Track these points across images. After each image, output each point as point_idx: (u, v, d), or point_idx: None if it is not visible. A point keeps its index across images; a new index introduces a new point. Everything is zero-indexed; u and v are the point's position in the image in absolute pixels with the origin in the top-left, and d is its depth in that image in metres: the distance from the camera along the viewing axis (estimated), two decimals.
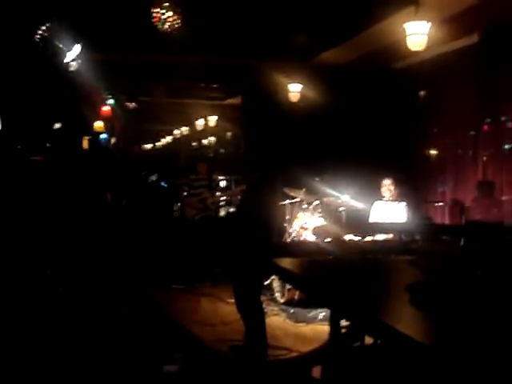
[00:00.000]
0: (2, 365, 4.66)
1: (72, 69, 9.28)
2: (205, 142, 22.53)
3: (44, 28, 8.34)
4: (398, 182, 7.65)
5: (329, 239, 7.47)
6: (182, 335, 6.30)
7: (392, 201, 7.60)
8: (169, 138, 26.91)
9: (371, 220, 7.66)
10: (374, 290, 2.34)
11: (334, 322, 2.67)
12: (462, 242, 2.56)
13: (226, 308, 7.33)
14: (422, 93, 9.69)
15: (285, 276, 3.12)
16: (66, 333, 5.00)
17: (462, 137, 8.66)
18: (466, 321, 1.85)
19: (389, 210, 7.56)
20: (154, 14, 7.93)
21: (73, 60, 9.17)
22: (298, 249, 5.02)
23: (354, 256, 3.95)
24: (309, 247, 5.75)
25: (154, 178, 10.16)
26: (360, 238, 7.00)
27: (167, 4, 7.81)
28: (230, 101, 16.90)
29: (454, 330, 1.77)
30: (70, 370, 4.71)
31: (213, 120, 18.80)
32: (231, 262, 6.01)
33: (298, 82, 11.07)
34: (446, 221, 8.40)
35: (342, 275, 2.61)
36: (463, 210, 7.48)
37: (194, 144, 23.14)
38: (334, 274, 2.62)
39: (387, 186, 7.63)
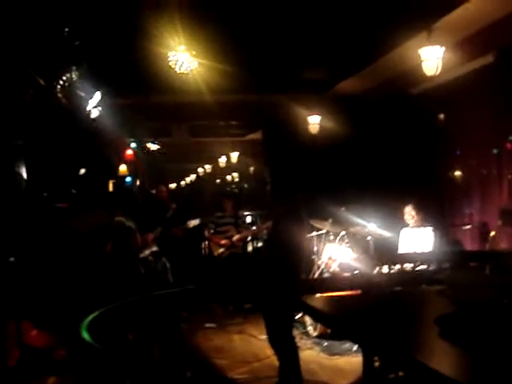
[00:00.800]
0: None
1: (94, 116, 9.44)
2: (228, 178, 22.70)
3: (64, 78, 8.52)
4: (420, 207, 7.59)
5: (357, 271, 7.43)
6: (216, 374, 6.28)
7: (417, 227, 7.53)
8: (193, 177, 27.17)
9: (400, 248, 7.59)
10: (403, 323, 2.32)
11: (366, 359, 2.65)
12: (487, 271, 2.53)
13: (259, 344, 7.29)
14: (441, 116, 9.68)
15: (314, 315, 3.12)
16: (98, 372, 5.00)
17: (485, 157, 8.61)
18: (495, 352, 1.84)
19: (416, 237, 7.50)
20: (171, 58, 8.09)
21: (94, 107, 9.34)
22: (326, 284, 4.99)
23: (382, 288, 3.93)
24: (337, 283, 5.73)
25: (195, 222, 10.12)
26: (388, 268, 6.95)
27: (183, 47, 7.97)
28: (250, 136, 17.06)
29: (484, 363, 1.75)
30: None
31: (235, 156, 18.97)
32: (262, 298, 6.00)
33: (317, 114, 11.14)
34: (475, 244, 8.31)
35: (371, 311, 2.60)
36: (487, 239, 7.40)
37: (217, 181, 23.32)
38: (363, 311, 2.62)
39: (409, 212, 7.58)
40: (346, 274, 7.52)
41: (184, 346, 6.44)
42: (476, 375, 1.66)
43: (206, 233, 9.99)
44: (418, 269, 6.34)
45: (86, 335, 3.20)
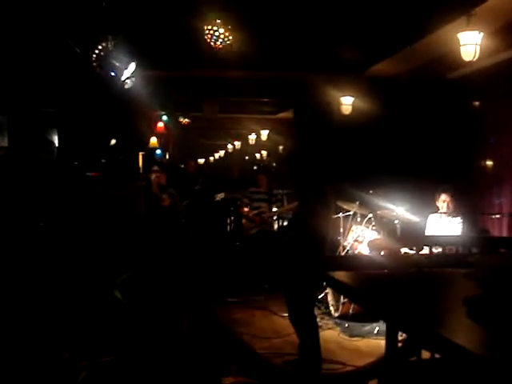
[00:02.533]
0: None
1: (127, 86, 9.48)
2: (257, 155, 22.72)
3: (100, 47, 8.56)
4: (454, 196, 7.50)
5: (383, 252, 7.40)
6: (238, 347, 6.34)
7: (448, 214, 7.45)
8: (221, 153, 27.22)
9: (427, 233, 7.53)
10: (430, 302, 2.32)
11: (390, 335, 2.65)
12: None
13: (280, 321, 7.34)
14: (477, 102, 9.54)
15: (340, 289, 3.12)
16: (125, 343, 5.09)
17: None
18: None
19: (444, 224, 7.43)
20: (207, 32, 8.08)
21: (128, 78, 9.38)
22: (352, 262, 4.97)
23: (409, 269, 3.90)
24: (363, 261, 5.70)
25: (222, 195, 10.20)
26: (415, 251, 6.90)
27: (219, 21, 7.94)
28: (281, 115, 17.00)
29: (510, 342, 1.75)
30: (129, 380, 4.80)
31: (265, 134, 18.94)
32: (284, 275, 6.01)
33: (350, 95, 11.06)
34: (504, 233, 8.21)
35: (398, 288, 2.59)
36: None
37: (246, 158, 23.36)
38: (390, 287, 2.61)
39: (443, 199, 7.47)
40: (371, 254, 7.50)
41: (215, 319, 6.50)
42: (499, 352, 1.66)
43: (244, 208, 10.00)
44: (445, 252, 6.28)
45: (117, 294, 3.25)
